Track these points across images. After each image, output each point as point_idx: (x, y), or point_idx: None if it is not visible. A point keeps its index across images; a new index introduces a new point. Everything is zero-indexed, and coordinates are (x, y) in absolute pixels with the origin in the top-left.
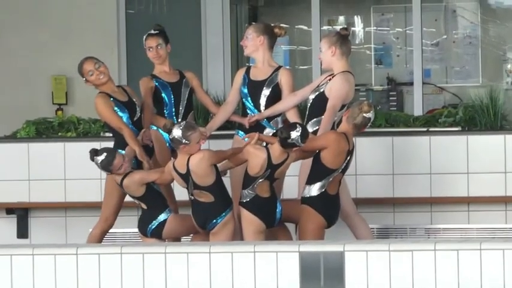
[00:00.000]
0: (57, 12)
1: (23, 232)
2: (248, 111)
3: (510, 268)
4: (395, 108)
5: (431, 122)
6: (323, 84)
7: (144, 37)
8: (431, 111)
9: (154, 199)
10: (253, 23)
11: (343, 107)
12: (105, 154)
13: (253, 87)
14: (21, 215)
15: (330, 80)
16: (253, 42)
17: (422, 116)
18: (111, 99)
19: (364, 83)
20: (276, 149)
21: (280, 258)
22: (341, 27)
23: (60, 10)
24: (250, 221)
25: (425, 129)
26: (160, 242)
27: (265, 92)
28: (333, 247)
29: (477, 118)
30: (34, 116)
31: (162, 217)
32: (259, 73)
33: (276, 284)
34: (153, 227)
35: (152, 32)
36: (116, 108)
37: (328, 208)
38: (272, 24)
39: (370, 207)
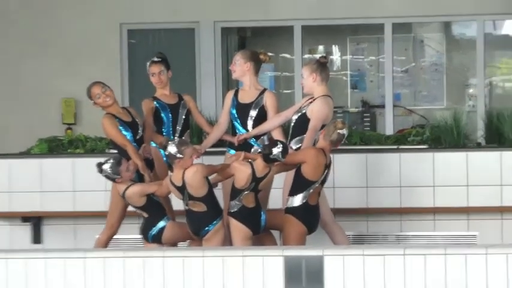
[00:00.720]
0: (68, 42)
1: (36, 238)
2: (237, 131)
3: (472, 270)
4: (368, 128)
5: (401, 140)
6: (305, 107)
7: (148, 64)
8: (401, 131)
9: (154, 208)
10: (241, 50)
11: (322, 126)
12: (111, 161)
13: (241, 109)
14: (35, 222)
15: (311, 102)
16: (241, 68)
17: (393, 135)
18: (116, 119)
19: (341, 106)
20: (259, 163)
21: (266, 261)
22: (320, 55)
23: (70, 40)
24: (238, 228)
25: (395, 147)
26: (160, 246)
27: (252, 113)
28: (314, 252)
29: (442, 137)
30: (46, 134)
31: (161, 224)
32: (246, 96)
33: (263, 285)
34: (153, 233)
35: (155, 59)
36: (120, 128)
37: (309, 217)
38: (258, 51)
39: (346, 217)
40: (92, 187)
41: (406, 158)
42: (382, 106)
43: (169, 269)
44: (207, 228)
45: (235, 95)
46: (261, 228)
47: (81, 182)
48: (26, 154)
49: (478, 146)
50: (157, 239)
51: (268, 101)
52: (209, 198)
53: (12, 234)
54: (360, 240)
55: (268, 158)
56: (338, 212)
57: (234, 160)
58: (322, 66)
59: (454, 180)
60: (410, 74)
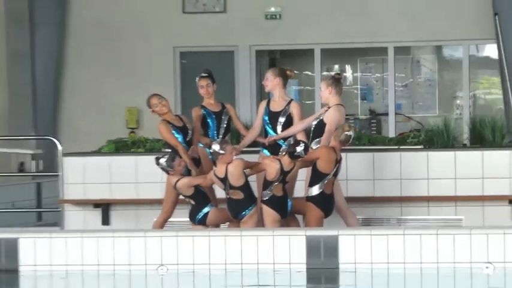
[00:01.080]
0: (133, 62)
1: (105, 221)
2: (268, 134)
3: (458, 247)
4: (375, 132)
5: (401, 142)
6: (322, 115)
7: (197, 78)
8: (401, 134)
9: (200, 197)
10: (271, 68)
11: None
12: (167, 157)
13: (272, 116)
14: (104, 208)
15: (326, 111)
16: (272, 82)
17: (395, 138)
18: (170, 125)
19: (353, 114)
20: (286, 160)
21: (291, 240)
22: (335, 72)
23: (135, 61)
24: (269, 213)
25: (397, 147)
26: (205, 228)
27: (281, 120)
28: (330, 232)
29: (435, 139)
30: (113, 136)
31: (205, 210)
32: (276, 105)
33: (289, 259)
34: (199, 217)
35: (203, 74)
36: (173, 131)
37: (325, 203)
38: (285, 68)
39: (357, 203)
40: (150, 179)
41: (405, 156)
42: (386, 114)
43: (213, 245)
44: (243, 212)
45: (268, 104)
46: (287, 213)
47: (142, 175)
48: (97, 152)
49: (464, 147)
50: (202, 222)
51: (294, 110)
52: (246, 188)
53: (85, 217)
54: (367, 222)
55: (292, 155)
56: (350, 200)
57: (264, 158)
58: (337, 81)
59: (444, 174)
60: (408, 88)
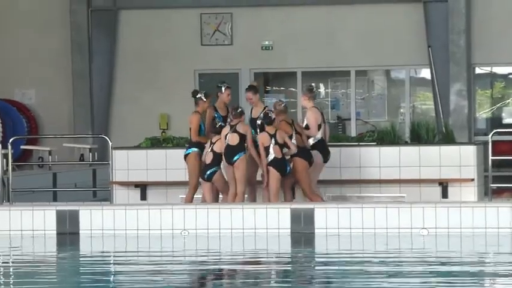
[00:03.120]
0: (163, 81)
1: (143, 197)
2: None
3: (403, 218)
4: (341, 132)
5: (360, 140)
6: (304, 119)
7: (224, 87)
8: (360, 134)
9: (215, 160)
10: (250, 89)
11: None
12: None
13: (253, 121)
14: (142, 188)
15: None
16: (255, 98)
17: (356, 137)
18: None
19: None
20: (267, 128)
21: (280, 211)
22: (308, 85)
23: (164, 79)
24: (273, 173)
25: (357, 143)
26: (211, 185)
27: (258, 122)
28: (308, 205)
29: (384, 138)
30: (149, 135)
31: (214, 169)
32: (256, 112)
33: (278, 225)
34: (208, 173)
35: (220, 85)
36: (200, 123)
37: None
38: (255, 84)
39: (328, 184)
40: (176, 166)
41: (363, 150)
42: (349, 119)
43: (222, 215)
44: (235, 157)
45: (250, 111)
46: (286, 173)
47: (170, 163)
48: (138, 147)
49: (406, 143)
50: (209, 179)
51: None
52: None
53: (129, 195)
54: (335, 199)
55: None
56: (324, 182)
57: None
58: (311, 91)
59: (392, 163)
60: (365, 100)
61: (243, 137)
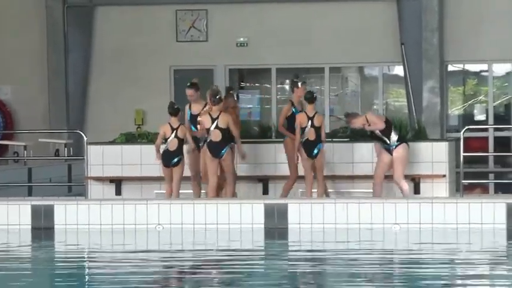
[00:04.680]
0: (139, 76)
1: (118, 192)
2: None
3: (375, 213)
4: None
5: (334, 135)
6: None
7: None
8: (333, 130)
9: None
10: (191, 86)
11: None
12: None
13: (193, 117)
14: (117, 183)
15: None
16: (196, 95)
17: (329, 132)
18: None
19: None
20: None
21: (254, 206)
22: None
23: (140, 76)
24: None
25: (330, 139)
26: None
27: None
28: (282, 201)
29: (358, 134)
30: (124, 131)
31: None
32: (196, 109)
33: (252, 219)
34: (223, 152)
35: (188, 84)
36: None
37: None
38: (195, 80)
39: (301, 179)
40: (150, 162)
41: (336, 146)
42: (323, 114)
43: (197, 210)
44: (223, 151)
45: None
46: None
47: (145, 159)
48: (113, 142)
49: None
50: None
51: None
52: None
53: (103, 190)
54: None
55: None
56: (301, 178)
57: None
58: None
59: (365, 159)
60: (339, 96)
61: (225, 131)
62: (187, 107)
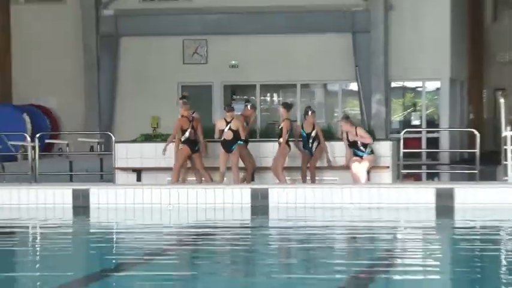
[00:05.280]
0: (154, 91)
1: (138, 179)
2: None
3: (335, 195)
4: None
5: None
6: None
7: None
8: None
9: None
10: (183, 96)
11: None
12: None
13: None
14: (138, 172)
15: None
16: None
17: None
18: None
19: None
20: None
21: (242, 190)
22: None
23: (155, 90)
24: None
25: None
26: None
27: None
28: (264, 186)
29: (323, 135)
30: (143, 132)
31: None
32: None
33: (241, 200)
34: (233, 148)
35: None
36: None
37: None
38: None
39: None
40: (163, 157)
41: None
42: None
43: (199, 193)
44: (232, 147)
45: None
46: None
47: (159, 154)
48: (134, 141)
49: (338, 139)
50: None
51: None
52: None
53: (128, 177)
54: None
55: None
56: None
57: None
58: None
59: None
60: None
61: (235, 132)
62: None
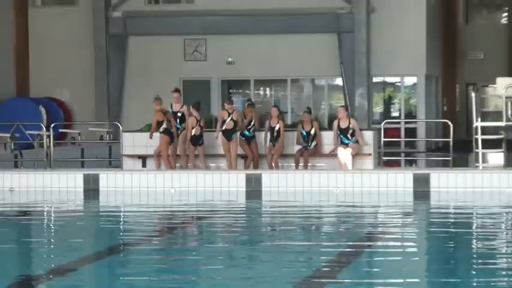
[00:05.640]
0: (158, 85)
1: (144, 165)
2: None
3: (323, 179)
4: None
5: (294, 126)
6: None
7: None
8: (293, 122)
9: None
10: (176, 90)
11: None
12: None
13: (174, 114)
14: (143, 159)
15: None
16: (178, 97)
17: (291, 124)
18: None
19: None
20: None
21: (238, 176)
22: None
23: (159, 85)
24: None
25: (292, 129)
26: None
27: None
28: (257, 172)
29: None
30: (149, 122)
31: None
32: (175, 107)
33: (236, 184)
34: (233, 137)
35: (173, 89)
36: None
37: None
38: (178, 87)
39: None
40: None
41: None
42: (286, 112)
43: (198, 177)
44: (232, 136)
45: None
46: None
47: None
48: (140, 130)
49: (325, 129)
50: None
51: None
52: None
53: (134, 163)
54: (280, 167)
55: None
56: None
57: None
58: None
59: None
60: (298, 99)
61: (236, 123)
62: (169, 105)
